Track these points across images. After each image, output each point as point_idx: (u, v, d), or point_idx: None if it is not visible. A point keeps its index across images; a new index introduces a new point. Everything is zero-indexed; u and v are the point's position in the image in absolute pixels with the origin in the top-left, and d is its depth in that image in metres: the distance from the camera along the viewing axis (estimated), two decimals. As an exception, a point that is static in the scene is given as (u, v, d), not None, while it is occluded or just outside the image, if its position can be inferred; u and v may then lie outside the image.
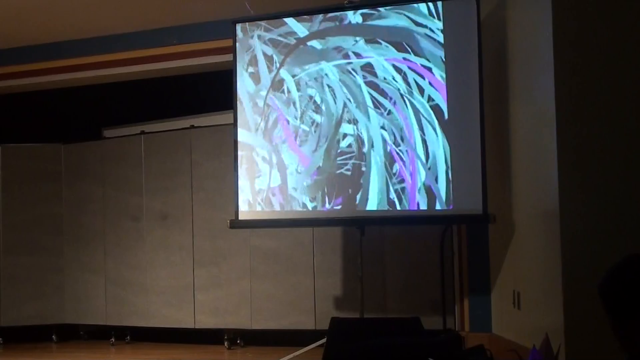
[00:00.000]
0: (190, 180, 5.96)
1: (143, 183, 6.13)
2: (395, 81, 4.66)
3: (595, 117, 3.61)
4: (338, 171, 4.77)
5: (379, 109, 4.70)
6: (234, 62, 5.06)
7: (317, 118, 4.84)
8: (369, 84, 4.72)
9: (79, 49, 6.35)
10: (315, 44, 4.86)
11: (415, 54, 4.63)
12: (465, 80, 4.52)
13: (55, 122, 6.99)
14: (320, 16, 4.86)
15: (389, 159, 4.65)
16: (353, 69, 4.77)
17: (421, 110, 4.61)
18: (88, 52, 6.32)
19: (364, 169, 4.70)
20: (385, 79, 4.69)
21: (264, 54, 4.98)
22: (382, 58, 4.70)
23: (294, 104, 4.90)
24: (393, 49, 4.67)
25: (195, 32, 6.01)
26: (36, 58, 6.47)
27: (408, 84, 4.64)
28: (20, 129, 6.87)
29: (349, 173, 4.74)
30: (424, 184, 4.57)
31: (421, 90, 4.61)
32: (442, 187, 4.54)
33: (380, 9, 4.71)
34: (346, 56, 4.78)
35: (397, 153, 4.64)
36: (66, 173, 6.48)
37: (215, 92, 6.16)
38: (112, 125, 6.96)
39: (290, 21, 4.92)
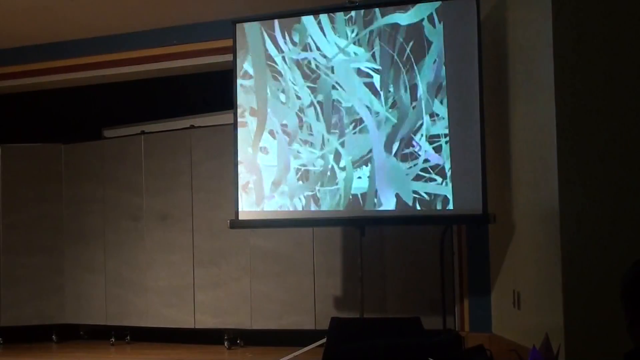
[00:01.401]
0: (190, 180, 5.96)
1: (143, 183, 6.13)
2: (395, 82, 4.67)
3: (595, 117, 3.62)
4: (339, 173, 4.77)
5: (378, 109, 4.70)
6: (234, 62, 5.06)
7: (317, 123, 4.84)
8: (368, 85, 4.73)
9: (79, 49, 6.35)
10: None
11: (415, 54, 4.64)
12: (466, 80, 4.52)
13: (55, 122, 6.99)
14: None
15: (390, 159, 4.65)
16: (353, 73, 4.77)
17: (421, 109, 4.61)
18: (88, 52, 6.32)
19: (364, 169, 4.70)
20: (385, 80, 4.70)
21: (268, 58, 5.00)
22: (384, 61, 4.70)
23: (297, 106, 4.91)
24: (394, 52, 4.68)
25: (195, 32, 6.01)
26: (36, 58, 6.47)
27: (408, 83, 4.64)
28: (20, 129, 6.88)
29: (350, 174, 4.74)
30: (424, 184, 4.57)
31: (422, 89, 4.62)
32: (442, 187, 4.53)
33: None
34: (348, 60, 4.79)
35: (399, 152, 4.64)
36: (66, 173, 6.48)
37: (215, 92, 6.16)
38: (112, 125, 6.96)
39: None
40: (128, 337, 6.20)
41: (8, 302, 6.29)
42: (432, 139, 4.57)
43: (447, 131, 4.53)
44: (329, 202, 4.78)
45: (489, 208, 4.43)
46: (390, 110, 4.67)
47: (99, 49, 6.29)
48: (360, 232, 4.75)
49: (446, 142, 4.53)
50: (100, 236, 6.29)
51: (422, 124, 4.60)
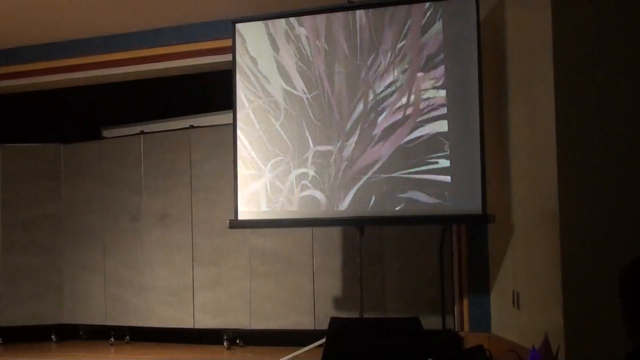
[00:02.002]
0: (189, 179, 5.96)
1: (142, 183, 6.13)
2: (395, 82, 4.67)
3: (595, 117, 3.62)
4: (340, 171, 4.77)
5: (379, 108, 4.70)
6: (233, 62, 5.06)
7: (318, 122, 4.84)
8: (369, 82, 4.73)
9: (79, 49, 6.34)
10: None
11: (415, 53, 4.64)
12: (465, 80, 4.52)
13: (55, 122, 6.99)
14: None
15: (389, 158, 4.65)
16: (355, 70, 4.77)
17: (421, 110, 4.61)
18: (88, 52, 6.32)
19: (365, 168, 4.70)
20: (385, 79, 4.70)
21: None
22: (383, 59, 4.70)
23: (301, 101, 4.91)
24: (393, 50, 4.68)
25: (195, 32, 6.01)
26: (36, 58, 6.47)
27: (407, 84, 4.65)
28: (19, 129, 6.87)
29: (350, 172, 4.74)
30: (423, 184, 4.57)
31: (421, 90, 4.62)
32: (441, 187, 4.53)
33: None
34: (348, 57, 4.79)
35: (398, 152, 4.64)
36: (65, 173, 6.48)
37: (215, 92, 6.16)
38: (111, 125, 6.95)
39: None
40: (127, 337, 6.20)
41: (7, 301, 6.29)
42: (432, 139, 4.57)
43: (446, 131, 4.53)
44: (330, 202, 4.77)
45: (488, 208, 4.44)
46: (389, 111, 4.67)
47: (98, 49, 6.29)
48: (359, 232, 4.75)
49: (446, 142, 4.53)
50: (99, 236, 6.29)
51: (422, 124, 4.60)
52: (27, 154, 6.45)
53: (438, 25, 4.58)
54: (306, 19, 4.89)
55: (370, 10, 4.75)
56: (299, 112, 4.89)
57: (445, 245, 5.20)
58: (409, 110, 4.63)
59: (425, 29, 4.62)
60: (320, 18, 4.86)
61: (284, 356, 5.12)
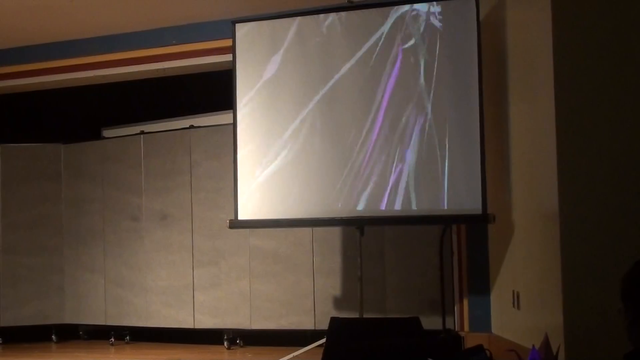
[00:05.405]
0: (189, 180, 5.96)
1: (142, 183, 6.14)
2: (396, 81, 4.67)
3: (595, 117, 3.62)
4: (341, 171, 4.76)
5: (380, 107, 4.70)
6: (233, 62, 5.06)
7: (322, 122, 4.84)
8: (370, 82, 4.73)
9: (79, 49, 6.34)
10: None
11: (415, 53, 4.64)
12: (465, 80, 4.52)
13: (55, 122, 6.99)
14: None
15: (390, 159, 4.65)
16: (356, 70, 4.77)
17: (421, 110, 4.61)
18: (88, 52, 6.31)
19: (365, 168, 4.70)
20: (385, 79, 4.70)
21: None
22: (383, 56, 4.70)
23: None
24: (393, 48, 4.68)
25: (195, 32, 6.01)
26: (36, 58, 6.46)
27: (409, 83, 4.65)
28: (20, 129, 6.87)
29: (351, 172, 4.74)
30: (423, 184, 4.57)
31: (421, 90, 4.62)
32: (441, 187, 4.53)
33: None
34: (348, 57, 4.79)
35: (398, 152, 4.64)
36: (66, 173, 6.48)
37: (215, 92, 6.16)
38: (112, 125, 6.95)
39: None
40: (127, 337, 6.20)
41: (8, 302, 6.29)
42: (432, 138, 4.57)
43: (447, 131, 4.53)
44: (330, 201, 4.77)
45: (488, 208, 4.43)
46: (389, 110, 4.68)
47: (99, 49, 6.29)
48: (359, 232, 4.74)
49: (446, 142, 4.53)
50: (99, 236, 6.29)
51: (423, 124, 4.59)
52: (28, 154, 6.46)
53: (438, 25, 4.58)
54: (306, 19, 4.90)
55: (370, 10, 4.75)
56: (299, 111, 4.88)
57: (446, 245, 5.20)
58: (410, 109, 4.63)
59: (425, 29, 4.61)
60: (321, 18, 4.86)
61: (284, 356, 5.12)
